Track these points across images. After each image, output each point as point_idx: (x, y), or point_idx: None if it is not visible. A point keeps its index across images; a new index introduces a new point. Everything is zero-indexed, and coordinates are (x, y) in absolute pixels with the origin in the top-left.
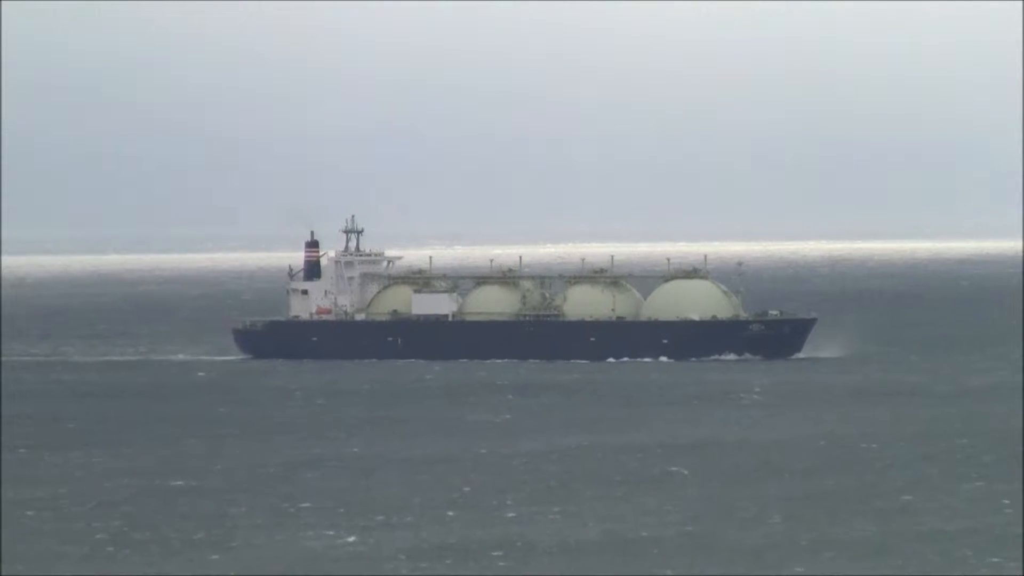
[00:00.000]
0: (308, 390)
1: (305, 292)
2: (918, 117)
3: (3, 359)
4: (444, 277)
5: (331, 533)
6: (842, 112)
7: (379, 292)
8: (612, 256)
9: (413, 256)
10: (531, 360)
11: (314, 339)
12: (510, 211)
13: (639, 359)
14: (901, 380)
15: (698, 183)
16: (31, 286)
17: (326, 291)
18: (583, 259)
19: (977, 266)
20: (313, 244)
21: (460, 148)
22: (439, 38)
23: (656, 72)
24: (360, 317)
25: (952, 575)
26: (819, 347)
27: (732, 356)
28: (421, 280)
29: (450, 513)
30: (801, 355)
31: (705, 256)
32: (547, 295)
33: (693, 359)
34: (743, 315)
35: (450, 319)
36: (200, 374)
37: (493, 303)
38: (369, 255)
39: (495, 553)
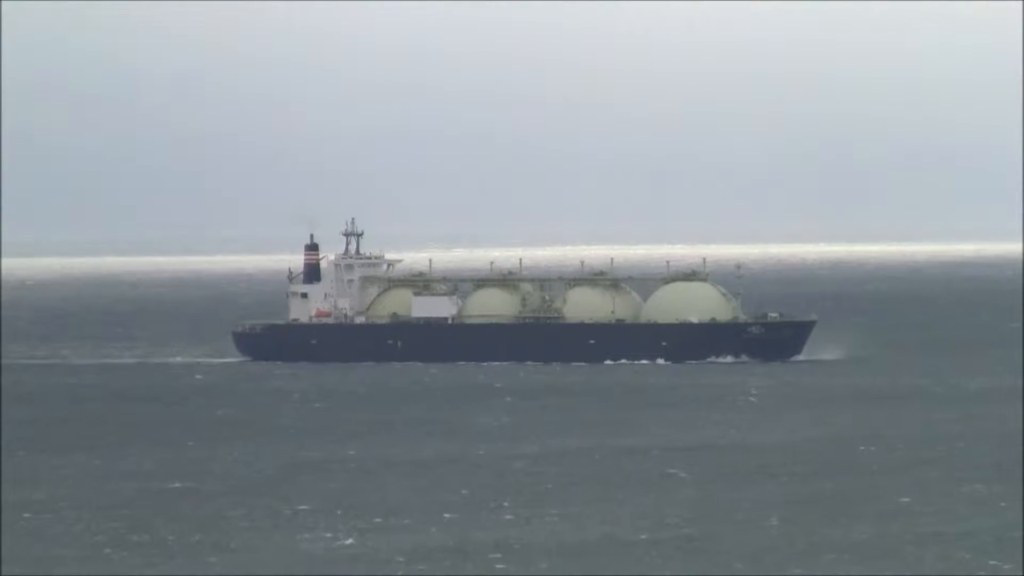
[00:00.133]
0: (306, 393)
1: (305, 295)
2: (918, 117)
3: (3, 362)
4: (444, 280)
5: (329, 535)
6: (842, 113)
7: (379, 295)
8: (612, 259)
9: (411, 259)
10: (531, 363)
11: (314, 342)
12: (507, 214)
13: (639, 361)
14: (900, 383)
15: (696, 186)
16: (31, 288)
17: (326, 294)
18: (583, 262)
19: (977, 268)
20: (313, 247)
21: (459, 149)
22: (439, 39)
23: (656, 73)
24: (360, 320)
25: None
26: (819, 349)
27: (731, 359)
28: (421, 283)
29: (448, 515)
30: (801, 357)
31: (704, 259)
32: (547, 298)
33: (692, 362)
34: (742, 318)
35: (450, 322)
36: (199, 377)
37: (493, 306)
38: (369, 258)
39: (493, 555)
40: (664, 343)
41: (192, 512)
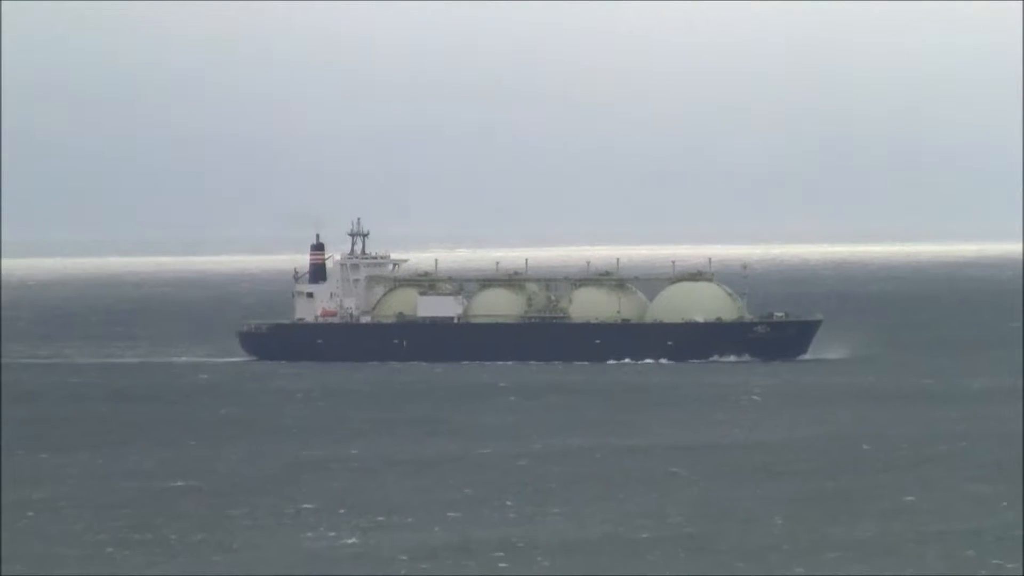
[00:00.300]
0: (310, 392)
1: (310, 295)
2: (918, 117)
3: (4, 361)
4: (450, 279)
5: (332, 534)
6: (842, 112)
7: (385, 294)
8: (617, 259)
9: (415, 259)
10: (536, 362)
11: (319, 341)
12: (510, 214)
13: (644, 361)
14: (903, 382)
15: (698, 186)
16: (32, 288)
17: (331, 293)
18: (588, 262)
19: (978, 268)
20: (319, 247)
21: (460, 149)
22: (440, 39)
23: (656, 73)
24: (365, 319)
25: None
26: (824, 349)
27: (737, 358)
28: (427, 282)
29: (451, 514)
30: (807, 357)
31: (710, 259)
32: (553, 297)
33: (698, 361)
34: (748, 317)
35: (456, 321)
36: (203, 376)
37: (499, 305)
38: (375, 258)
39: (496, 553)
40: (670, 343)
41: (194, 511)
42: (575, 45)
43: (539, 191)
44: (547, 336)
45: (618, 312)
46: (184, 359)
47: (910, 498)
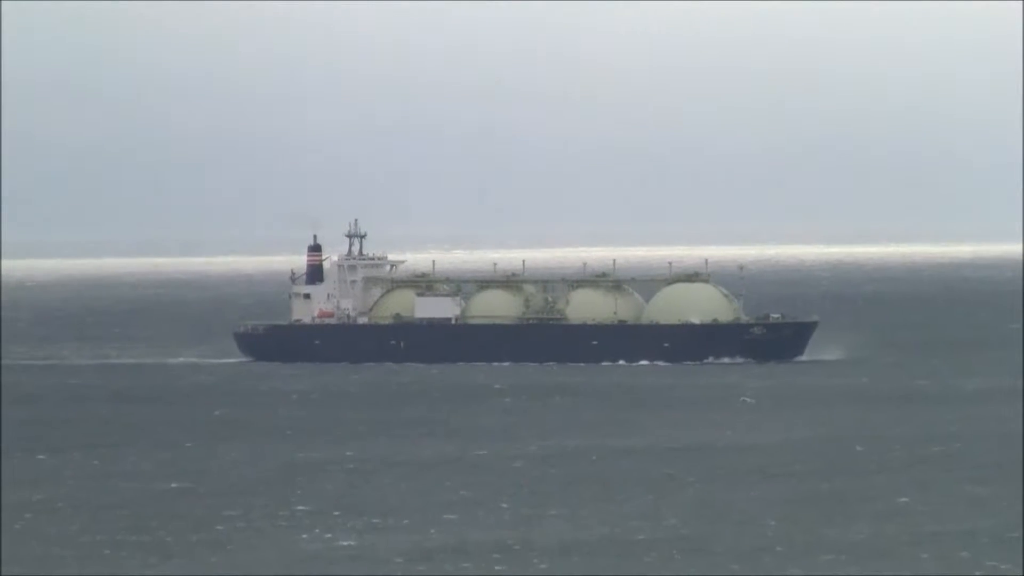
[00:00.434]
0: (307, 393)
1: (308, 296)
2: (918, 116)
3: (3, 362)
4: (447, 281)
5: (328, 536)
6: (841, 111)
7: (382, 296)
8: (614, 260)
9: (412, 260)
10: (534, 363)
11: (316, 342)
12: (510, 215)
13: (641, 362)
14: (900, 383)
15: (695, 186)
16: (31, 289)
17: (329, 295)
18: (585, 263)
19: (976, 269)
20: (316, 248)
21: (458, 149)
22: (439, 39)
23: (656, 73)
24: (363, 321)
25: None
26: (821, 350)
27: (734, 359)
28: (424, 284)
29: (448, 515)
30: (803, 358)
31: (706, 260)
32: (550, 299)
33: (694, 363)
34: (744, 319)
35: (453, 323)
36: (200, 377)
37: (496, 307)
38: (372, 259)
39: (493, 555)
40: (666, 344)
41: (191, 512)
42: (575, 45)
43: (538, 191)
44: (544, 337)
45: (615, 313)
46: (181, 360)
47: (905, 499)
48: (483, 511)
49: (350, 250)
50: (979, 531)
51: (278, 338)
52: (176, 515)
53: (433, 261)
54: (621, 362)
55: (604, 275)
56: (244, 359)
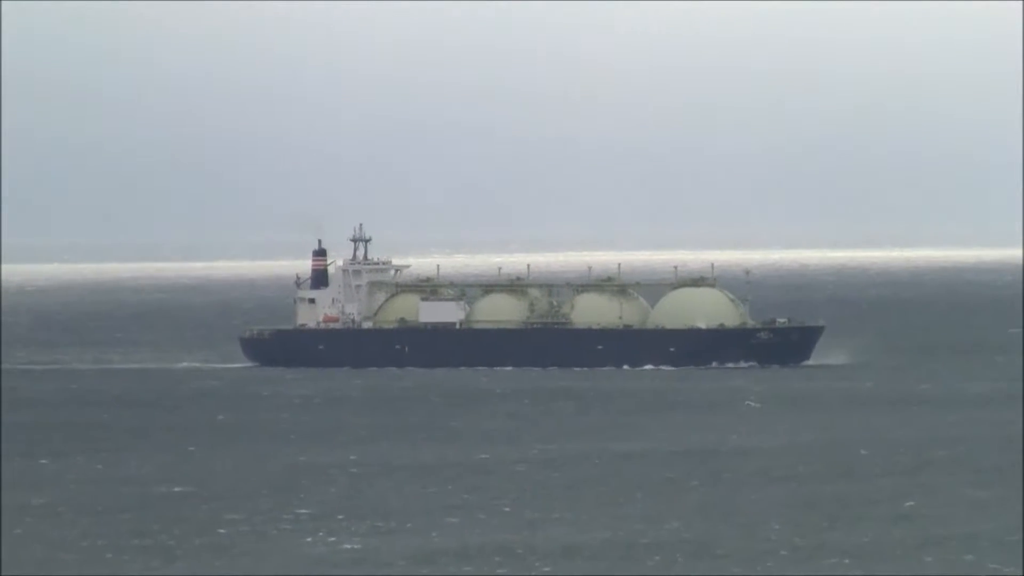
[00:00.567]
0: (311, 397)
1: (312, 300)
2: (917, 117)
3: (4, 367)
4: (451, 285)
5: (332, 539)
6: (841, 111)
7: (386, 300)
8: (619, 264)
9: (415, 264)
10: (538, 368)
11: (321, 347)
12: (510, 216)
13: (646, 367)
14: (904, 387)
15: (697, 187)
16: (31, 293)
17: (333, 299)
18: (590, 267)
19: (977, 274)
20: (321, 253)
21: (458, 149)
22: (441, 38)
23: (656, 73)
24: (367, 325)
25: None
26: (827, 354)
27: (740, 364)
28: (428, 288)
29: (450, 519)
30: (809, 362)
31: (712, 264)
32: (555, 303)
33: (701, 367)
34: (751, 323)
35: (458, 327)
36: (204, 382)
37: (501, 311)
38: (377, 263)
39: (495, 558)
40: (672, 348)
41: (193, 516)
42: (575, 45)
43: (537, 192)
44: (549, 342)
45: (620, 318)
46: (184, 365)
47: (909, 503)
48: (486, 514)
49: (354, 255)
50: (982, 534)
51: (283, 343)
52: (179, 519)
53: (438, 265)
54: (626, 367)
55: (609, 279)
56: (249, 364)
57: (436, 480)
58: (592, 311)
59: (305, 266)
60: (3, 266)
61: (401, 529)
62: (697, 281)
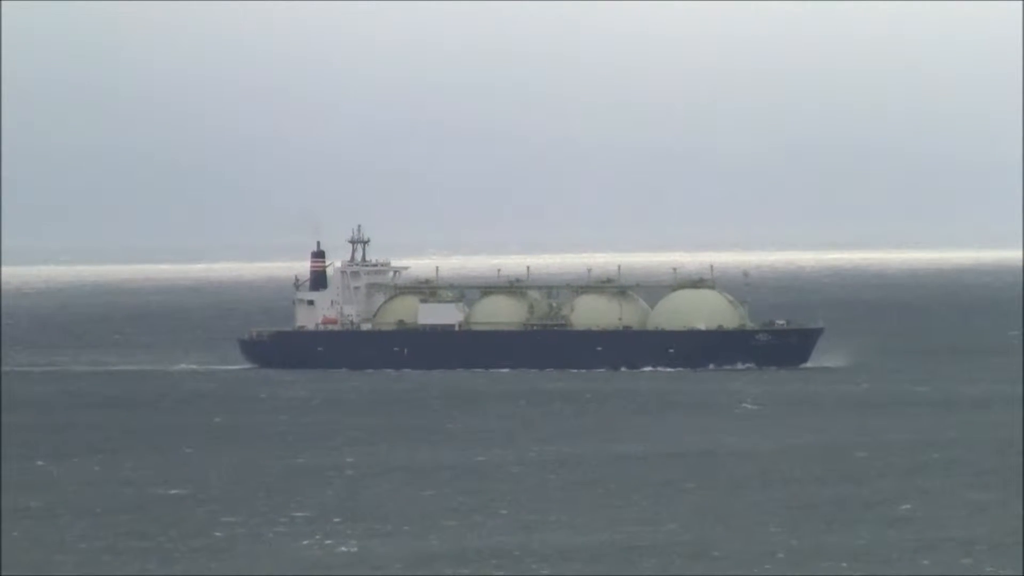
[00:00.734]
0: (309, 399)
1: (311, 302)
2: (917, 117)
3: (2, 369)
4: (451, 287)
5: (329, 542)
6: (841, 111)
7: (385, 302)
8: (619, 266)
9: (413, 265)
10: (538, 370)
11: (320, 349)
12: (509, 216)
13: (645, 368)
14: (902, 390)
15: (696, 188)
16: (29, 296)
17: (332, 301)
18: (589, 269)
19: (977, 276)
20: (319, 254)
21: (458, 152)
22: (440, 38)
23: (656, 72)
24: (366, 327)
25: None
26: (826, 357)
27: (739, 366)
28: (427, 290)
29: (447, 522)
30: (808, 365)
31: (711, 266)
32: (554, 305)
33: (700, 368)
34: (750, 325)
35: (456, 329)
36: (203, 384)
37: (500, 313)
38: (375, 265)
39: (493, 561)
40: (671, 350)
41: (191, 518)
42: (575, 45)
43: (537, 193)
44: (549, 344)
45: (620, 319)
46: (183, 367)
47: (907, 505)
48: (483, 517)
49: (353, 256)
50: (979, 537)
51: (282, 345)
52: (176, 521)
53: (436, 267)
54: (625, 368)
55: (609, 281)
56: (248, 366)
57: (433, 482)
58: (591, 313)
59: (304, 268)
60: (2, 268)
61: (398, 532)
62: (696, 283)
